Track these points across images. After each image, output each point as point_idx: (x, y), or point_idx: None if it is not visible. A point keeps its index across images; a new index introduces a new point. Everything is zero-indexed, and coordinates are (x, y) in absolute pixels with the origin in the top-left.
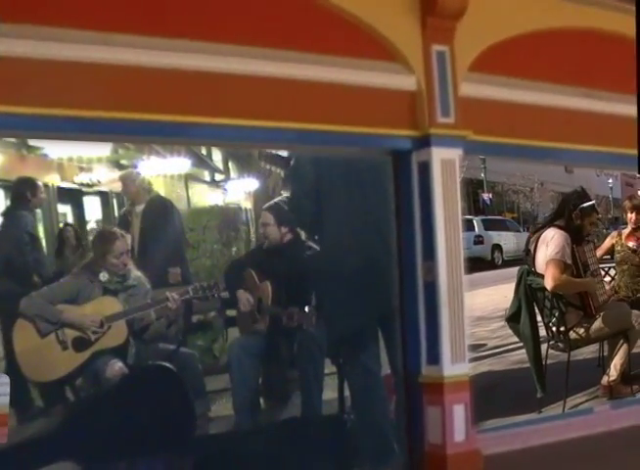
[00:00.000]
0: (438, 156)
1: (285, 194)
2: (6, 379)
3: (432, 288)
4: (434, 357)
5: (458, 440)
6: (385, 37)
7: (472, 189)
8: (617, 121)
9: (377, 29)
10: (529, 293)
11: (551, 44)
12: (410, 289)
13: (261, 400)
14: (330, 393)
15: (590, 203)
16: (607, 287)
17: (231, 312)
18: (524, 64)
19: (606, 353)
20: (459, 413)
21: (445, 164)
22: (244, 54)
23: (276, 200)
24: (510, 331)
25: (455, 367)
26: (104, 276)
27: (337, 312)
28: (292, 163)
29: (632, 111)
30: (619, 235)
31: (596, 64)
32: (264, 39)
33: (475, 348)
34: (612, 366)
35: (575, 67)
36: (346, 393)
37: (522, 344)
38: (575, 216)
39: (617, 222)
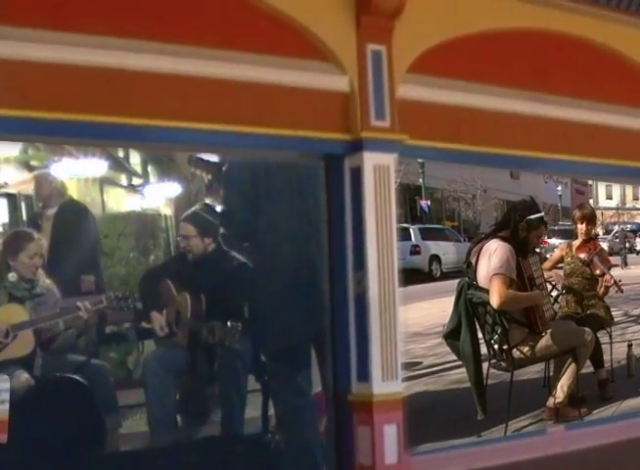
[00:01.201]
0: (371, 161)
1: (207, 201)
2: (5, 379)
3: (362, 300)
4: (365, 375)
5: (389, 462)
6: (316, 36)
7: (409, 195)
8: (570, 127)
9: (308, 28)
10: (470, 308)
11: (501, 46)
12: (341, 301)
13: (178, 417)
14: (253, 411)
15: (538, 215)
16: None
17: (147, 324)
18: (470, 66)
19: (552, 373)
20: (390, 434)
21: (379, 169)
22: (167, 52)
23: (195, 209)
24: (448, 348)
25: (386, 385)
26: (13, 277)
27: (266, 327)
28: (224, 168)
29: (587, 116)
30: (570, 246)
31: (550, 67)
32: (190, 37)
33: (410, 366)
34: (558, 387)
35: (527, 70)
36: (271, 411)
37: (461, 362)
38: (522, 228)
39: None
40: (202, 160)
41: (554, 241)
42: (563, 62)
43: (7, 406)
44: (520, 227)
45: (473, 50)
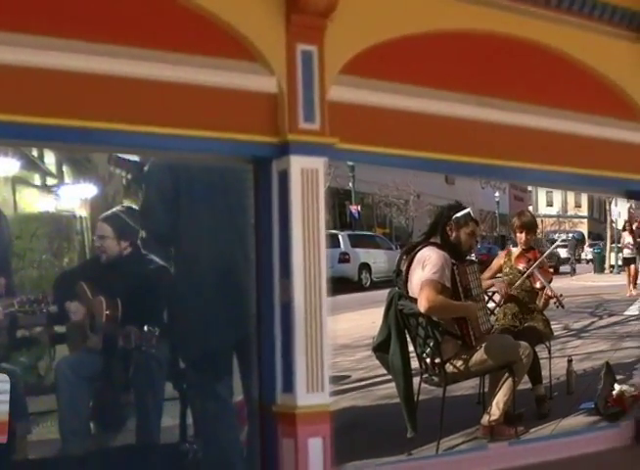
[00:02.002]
0: (299, 164)
1: (125, 203)
2: (5, 378)
3: (288, 309)
4: (289, 385)
5: None
6: (243, 35)
7: (338, 200)
8: (512, 132)
9: (235, 27)
10: (401, 319)
11: (442, 48)
12: (267, 309)
13: (92, 425)
14: (171, 420)
15: (465, 211)
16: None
17: (60, 328)
18: (408, 68)
19: (487, 390)
20: (315, 447)
21: (307, 173)
22: (87, 50)
23: (114, 210)
24: (377, 362)
25: (311, 397)
26: None
27: (185, 333)
28: (145, 168)
29: (533, 121)
30: (508, 256)
31: (494, 71)
32: (112, 35)
33: (337, 379)
34: (493, 404)
35: (470, 73)
36: (189, 420)
37: (390, 377)
38: (450, 229)
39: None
40: (122, 159)
41: None
42: (509, 65)
43: (7, 407)
44: (447, 228)
45: (411, 52)
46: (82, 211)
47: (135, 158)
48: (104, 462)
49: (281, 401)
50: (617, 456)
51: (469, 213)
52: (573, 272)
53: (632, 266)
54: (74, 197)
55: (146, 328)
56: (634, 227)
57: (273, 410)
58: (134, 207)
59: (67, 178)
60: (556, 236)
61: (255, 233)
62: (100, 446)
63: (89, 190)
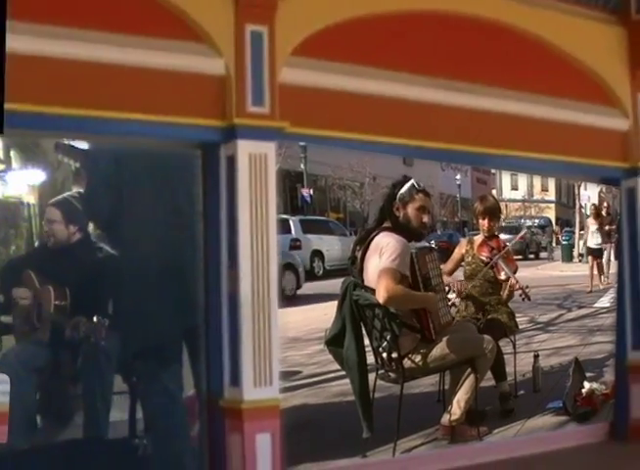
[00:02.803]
0: (246, 149)
1: (75, 189)
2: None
3: (235, 299)
4: (236, 379)
5: None
6: (189, 15)
7: (289, 183)
8: (477, 117)
9: (180, 6)
10: (356, 310)
11: (402, 29)
12: (215, 299)
13: (38, 418)
14: (121, 414)
15: (408, 184)
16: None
17: (6, 318)
18: (363, 49)
19: (447, 387)
20: (263, 444)
21: (255, 158)
22: (29, 31)
23: (65, 195)
24: (330, 356)
25: (259, 391)
26: None
27: (134, 324)
28: (88, 154)
29: (500, 105)
30: (471, 244)
31: (456, 52)
32: (51, 15)
33: (287, 375)
34: (454, 402)
35: (431, 55)
36: (139, 414)
37: (344, 372)
38: (397, 208)
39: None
40: (69, 146)
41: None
42: (473, 47)
43: (7, 406)
44: (394, 207)
45: (367, 33)
46: (30, 198)
47: (84, 145)
48: (50, 457)
49: (228, 396)
50: (589, 454)
51: (413, 186)
52: (552, 258)
53: (598, 261)
54: (22, 183)
55: (95, 319)
56: (603, 212)
57: (220, 405)
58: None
59: (14, 164)
60: (522, 222)
61: (203, 221)
62: (46, 441)
63: (37, 176)
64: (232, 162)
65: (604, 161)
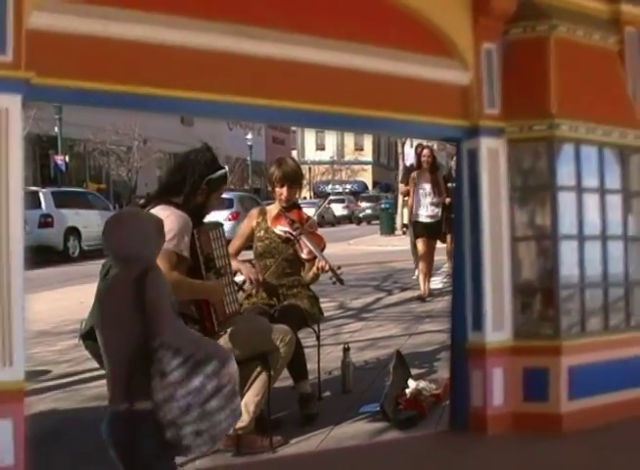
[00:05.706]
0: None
1: None
2: None
3: None
4: None
5: None
6: None
7: (40, 149)
8: (273, 65)
9: None
10: None
11: None
12: None
13: None
14: None
15: (222, 171)
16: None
17: None
18: None
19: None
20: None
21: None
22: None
23: None
24: (87, 353)
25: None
26: None
27: None
28: None
29: (317, 56)
30: (263, 214)
31: None
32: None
33: (34, 375)
34: (242, 406)
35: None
36: None
37: (104, 372)
38: (202, 192)
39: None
40: None
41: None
42: None
43: None
44: (199, 191)
45: None
46: None
47: None
48: None
49: None
50: (423, 444)
51: (226, 174)
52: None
53: (433, 244)
54: None
55: None
56: (443, 174)
57: None
58: None
59: None
60: (328, 188)
61: None
62: None
63: None
64: None
65: (440, 118)
